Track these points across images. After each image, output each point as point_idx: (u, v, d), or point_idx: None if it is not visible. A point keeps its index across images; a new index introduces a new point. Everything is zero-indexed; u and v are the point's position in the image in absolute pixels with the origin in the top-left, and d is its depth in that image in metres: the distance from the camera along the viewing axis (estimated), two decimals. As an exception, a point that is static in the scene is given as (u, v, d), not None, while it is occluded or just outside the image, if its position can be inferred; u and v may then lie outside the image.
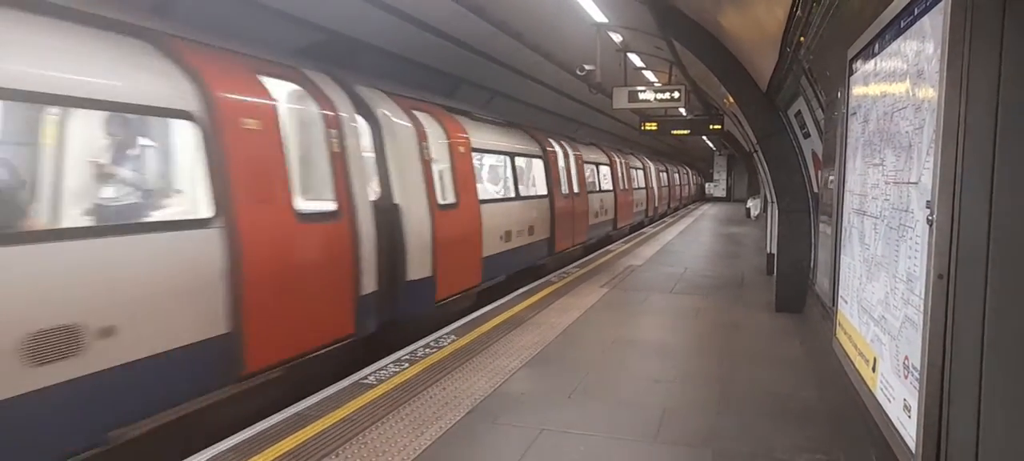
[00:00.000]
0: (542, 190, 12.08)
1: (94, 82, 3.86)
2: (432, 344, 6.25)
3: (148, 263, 3.97)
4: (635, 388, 5.14)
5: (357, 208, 5.88)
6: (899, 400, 2.36)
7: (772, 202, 9.09)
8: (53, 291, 3.44)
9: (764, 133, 8.14)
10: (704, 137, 26.80)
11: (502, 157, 10.83)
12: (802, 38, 5.06)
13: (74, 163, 4.17)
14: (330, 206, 5.62)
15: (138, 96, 4.10)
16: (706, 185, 46.04)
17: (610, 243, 16.28)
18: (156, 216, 4.65)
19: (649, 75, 13.27)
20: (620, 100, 10.44)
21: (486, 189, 10.56)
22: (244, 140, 4.72)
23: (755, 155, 12.49)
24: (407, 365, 5.57)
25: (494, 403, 4.73)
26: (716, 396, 4.92)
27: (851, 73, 3.50)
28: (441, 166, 7.94)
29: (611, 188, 17.92)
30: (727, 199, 41.49)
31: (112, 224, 4.19)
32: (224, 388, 4.48)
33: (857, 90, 3.38)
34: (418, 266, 7.03)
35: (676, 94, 10.28)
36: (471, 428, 4.30)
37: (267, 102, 5.07)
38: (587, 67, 10.28)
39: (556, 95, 15.04)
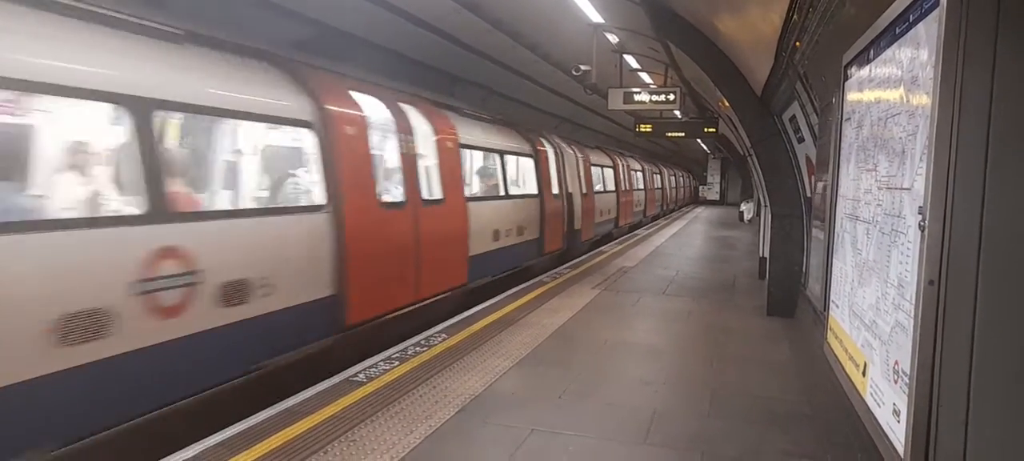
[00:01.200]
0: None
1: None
2: (422, 343, 6.23)
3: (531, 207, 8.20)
4: (625, 390, 5.14)
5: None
6: (888, 405, 2.37)
7: (765, 206, 9.12)
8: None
9: (758, 137, 8.16)
10: (698, 140, 26.93)
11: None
12: (798, 43, 5.07)
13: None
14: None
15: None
16: (700, 188, 46.18)
17: (611, 240, 17.00)
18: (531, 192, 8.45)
19: (645, 77, 13.30)
20: (615, 101, 10.45)
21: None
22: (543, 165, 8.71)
23: (749, 159, 12.53)
24: (397, 363, 5.55)
25: (484, 402, 4.72)
26: (706, 399, 4.93)
27: (846, 79, 3.52)
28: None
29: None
30: (721, 202, 41.63)
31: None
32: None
33: (851, 96, 3.39)
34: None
35: (671, 96, 10.30)
36: (461, 427, 4.29)
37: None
38: (583, 67, 10.28)
39: (551, 95, 15.05)
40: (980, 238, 1.97)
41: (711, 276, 11.21)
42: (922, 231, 2.05)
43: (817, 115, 5.67)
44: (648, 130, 13.23)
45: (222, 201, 5.67)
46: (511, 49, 10.80)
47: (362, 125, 6.40)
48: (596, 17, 8.75)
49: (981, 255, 1.97)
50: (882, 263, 2.55)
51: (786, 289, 7.75)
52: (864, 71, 3.10)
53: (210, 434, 4.05)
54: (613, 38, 10.06)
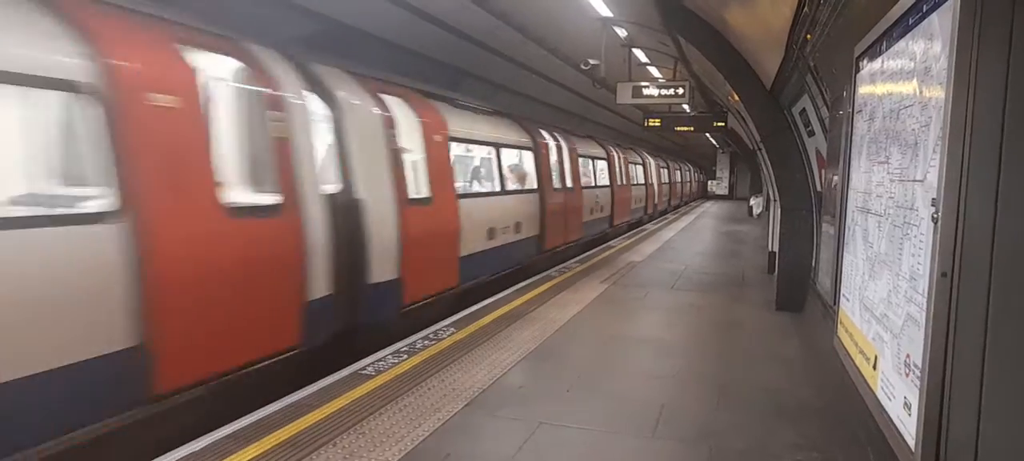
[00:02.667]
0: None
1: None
2: (431, 336, 6.25)
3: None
4: (633, 384, 5.14)
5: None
6: (899, 398, 2.36)
7: (774, 200, 9.07)
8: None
9: (768, 131, 8.11)
10: (707, 134, 26.75)
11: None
12: (808, 35, 5.04)
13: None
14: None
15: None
16: (709, 182, 45.99)
17: (607, 240, 15.97)
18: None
19: (653, 71, 13.23)
20: (624, 95, 10.41)
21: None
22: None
23: (758, 153, 12.46)
24: (406, 357, 5.57)
25: (493, 396, 4.73)
26: (714, 393, 4.92)
27: (857, 71, 3.49)
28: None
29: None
30: (730, 197, 41.46)
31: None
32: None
33: (863, 88, 3.36)
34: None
35: (680, 90, 10.25)
36: (469, 420, 4.30)
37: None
38: (591, 62, 10.25)
39: (560, 89, 15.01)
40: (994, 230, 1.95)
41: (720, 271, 11.18)
42: (935, 223, 2.03)
43: (827, 108, 5.63)
44: (657, 125, 13.17)
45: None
46: (520, 44, 10.77)
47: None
48: (605, 11, 8.72)
49: (994, 247, 1.95)
50: (894, 256, 2.53)
51: (795, 283, 7.71)
52: (876, 63, 3.07)
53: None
54: (622, 32, 10.02)
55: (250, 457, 3.70)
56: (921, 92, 2.31)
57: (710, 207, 32.74)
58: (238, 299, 4.60)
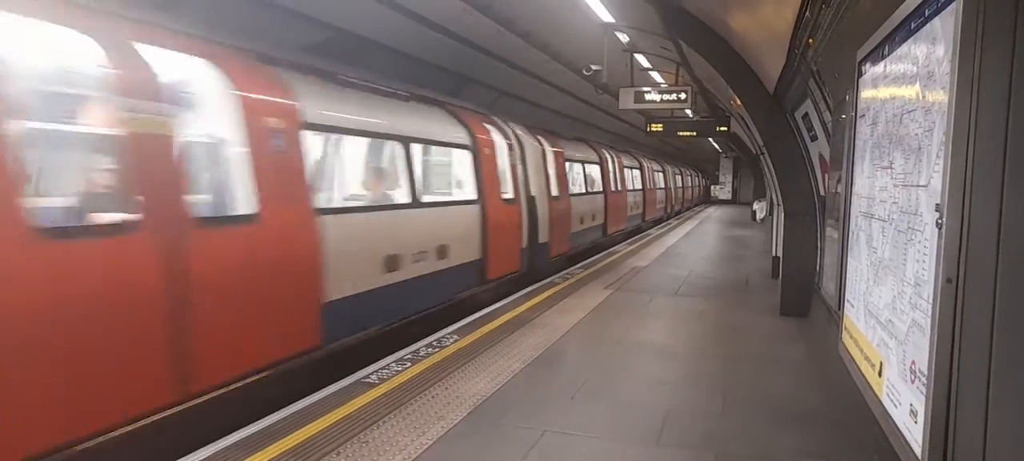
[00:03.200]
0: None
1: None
2: (434, 344, 6.24)
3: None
4: (638, 390, 5.12)
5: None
6: (905, 405, 2.34)
7: (778, 205, 9.04)
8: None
9: (771, 136, 8.10)
10: (710, 139, 26.73)
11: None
12: (811, 40, 5.03)
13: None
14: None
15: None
16: (712, 187, 45.93)
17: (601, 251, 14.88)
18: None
19: (656, 76, 13.23)
20: (626, 101, 10.40)
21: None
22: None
23: (761, 158, 12.44)
24: (409, 364, 5.56)
25: (497, 403, 4.71)
26: (719, 399, 4.90)
27: (860, 75, 3.48)
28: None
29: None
30: (733, 201, 41.39)
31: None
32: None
33: (866, 93, 3.35)
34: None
35: (682, 95, 10.24)
36: (473, 428, 4.28)
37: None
38: (594, 67, 10.25)
39: (562, 95, 15.02)
40: (999, 235, 1.94)
41: (724, 276, 11.15)
42: (939, 228, 2.02)
43: (830, 113, 5.62)
44: (660, 129, 13.16)
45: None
46: (522, 49, 10.79)
47: None
48: (607, 16, 8.72)
49: (999, 252, 1.94)
50: (898, 261, 2.52)
51: (800, 288, 7.69)
52: (878, 67, 3.06)
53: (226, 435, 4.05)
54: (624, 37, 10.02)
55: (254, 466, 3.69)
56: (924, 97, 2.30)
57: (713, 212, 32.68)
58: (506, 241, 9.63)
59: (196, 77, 4.75)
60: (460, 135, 8.70)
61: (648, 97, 10.32)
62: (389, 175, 7.40)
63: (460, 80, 11.71)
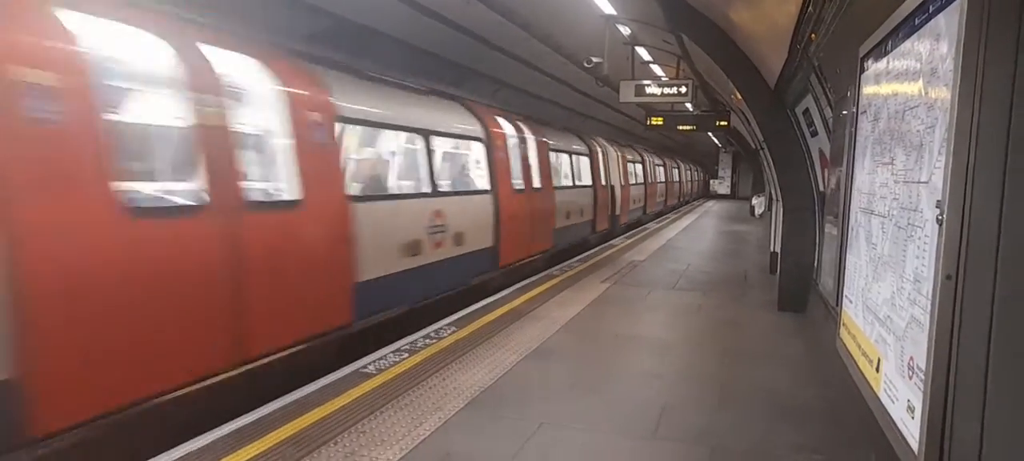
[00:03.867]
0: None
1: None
2: (432, 335, 6.24)
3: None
4: (635, 384, 5.13)
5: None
6: (903, 401, 2.34)
7: (777, 200, 9.04)
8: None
9: (771, 131, 8.09)
10: (710, 133, 26.65)
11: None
12: (813, 35, 5.01)
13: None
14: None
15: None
16: (711, 182, 45.91)
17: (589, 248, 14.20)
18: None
19: (656, 69, 13.21)
20: (627, 94, 10.38)
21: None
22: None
23: (761, 152, 12.43)
24: (407, 355, 5.56)
25: (493, 395, 4.72)
26: (716, 393, 4.91)
27: (862, 71, 3.47)
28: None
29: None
30: (732, 196, 41.40)
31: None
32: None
33: (868, 88, 3.34)
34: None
35: (683, 89, 10.22)
36: (470, 419, 4.29)
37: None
38: (595, 59, 10.22)
39: (562, 87, 14.99)
40: (999, 232, 1.94)
41: (722, 270, 11.16)
42: (940, 225, 2.02)
43: (831, 108, 5.61)
44: (660, 123, 13.13)
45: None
46: (523, 41, 10.76)
47: None
48: (609, 8, 8.70)
49: (999, 249, 1.94)
50: (898, 258, 2.52)
51: (798, 284, 7.70)
52: (881, 64, 3.06)
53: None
54: (625, 30, 10.00)
55: (252, 455, 3.70)
56: (927, 93, 2.30)
57: (712, 206, 32.69)
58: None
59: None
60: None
61: (648, 90, 10.30)
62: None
63: (461, 71, 11.67)
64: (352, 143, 6.96)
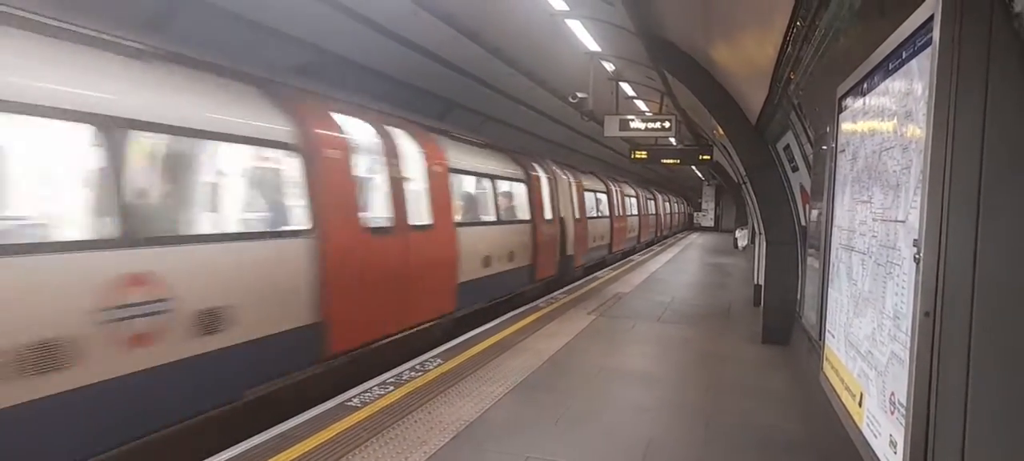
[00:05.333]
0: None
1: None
2: (417, 367, 6.20)
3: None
4: (621, 417, 5.12)
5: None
6: (885, 436, 2.38)
7: (760, 234, 9.16)
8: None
9: (753, 165, 8.23)
10: (693, 167, 26.98)
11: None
12: (792, 74, 5.15)
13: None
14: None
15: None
16: (694, 214, 46.32)
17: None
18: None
19: (640, 104, 13.41)
20: (611, 128, 10.50)
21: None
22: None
23: (743, 186, 12.61)
24: (392, 388, 5.52)
25: (479, 429, 4.69)
26: (702, 427, 4.92)
27: (840, 110, 3.57)
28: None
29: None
30: (715, 228, 41.77)
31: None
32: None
33: (846, 127, 3.44)
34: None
35: (667, 124, 10.37)
36: (456, 454, 4.26)
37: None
38: (580, 94, 10.36)
39: (548, 121, 15.15)
40: (974, 270, 1.99)
41: (706, 303, 11.23)
42: (917, 263, 2.08)
43: (811, 145, 5.73)
44: (644, 157, 13.28)
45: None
46: (508, 76, 10.89)
47: None
48: (593, 46, 8.85)
49: (975, 287, 1.99)
50: (878, 294, 2.57)
51: (781, 317, 7.76)
52: (858, 104, 3.15)
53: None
54: (609, 66, 10.17)
55: (233, 491, 3.64)
56: (902, 134, 2.37)
57: (696, 238, 32.95)
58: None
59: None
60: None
61: (633, 125, 10.43)
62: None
63: (446, 104, 11.78)
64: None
